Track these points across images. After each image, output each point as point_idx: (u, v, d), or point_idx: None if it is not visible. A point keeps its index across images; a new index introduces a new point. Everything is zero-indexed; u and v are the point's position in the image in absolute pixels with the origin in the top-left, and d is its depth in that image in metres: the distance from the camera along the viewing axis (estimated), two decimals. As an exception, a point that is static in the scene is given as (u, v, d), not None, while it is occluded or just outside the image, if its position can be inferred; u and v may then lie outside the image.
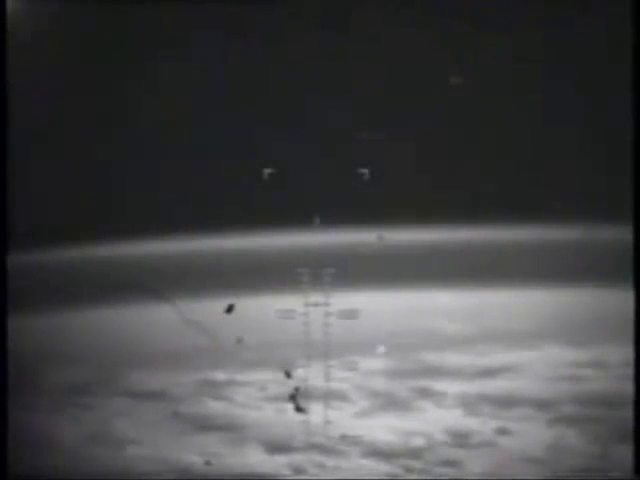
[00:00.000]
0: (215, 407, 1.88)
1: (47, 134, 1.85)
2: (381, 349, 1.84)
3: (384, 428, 1.85)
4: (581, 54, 1.82)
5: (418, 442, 1.83)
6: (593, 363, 1.87)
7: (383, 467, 1.81)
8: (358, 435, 1.84)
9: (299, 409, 1.84)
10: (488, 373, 1.89)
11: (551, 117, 1.83)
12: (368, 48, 1.83)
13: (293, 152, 1.83)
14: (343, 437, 1.83)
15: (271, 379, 1.86)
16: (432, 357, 1.90)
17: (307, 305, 1.82)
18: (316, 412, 1.84)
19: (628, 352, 1.78)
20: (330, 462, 1.81)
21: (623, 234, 1.78)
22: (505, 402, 1.86)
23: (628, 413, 1.78)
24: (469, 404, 1.86)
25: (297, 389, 1.84)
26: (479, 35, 1.81)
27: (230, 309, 1.84)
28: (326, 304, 1.82)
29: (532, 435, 1.83)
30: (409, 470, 1.80)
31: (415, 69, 1.83)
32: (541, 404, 1.85)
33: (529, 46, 1.82)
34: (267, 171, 1.83)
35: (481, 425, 1.84)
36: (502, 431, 1.84)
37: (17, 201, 1.83)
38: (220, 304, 1.84)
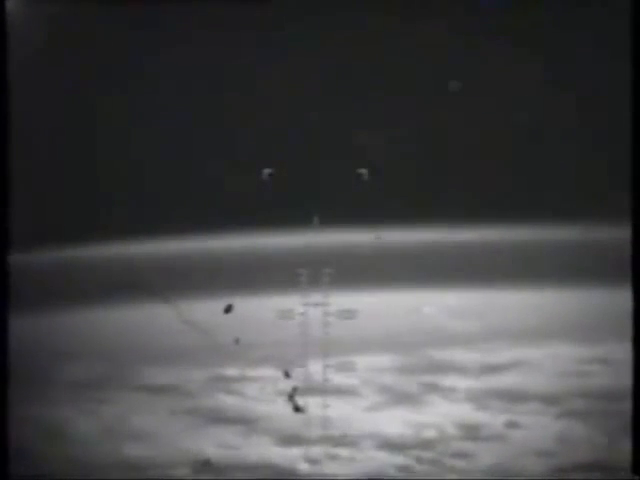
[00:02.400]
0: (217, 403, 1.89)
1: (47, 134, 1.86)
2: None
3: (394, 422, 1.85)
4: (581, 54, 1.82)
5: (429, 435, 1.84)
6: (596, 360, 1.88)
7: (395, 459, 1.82)
8: (370, 428, 1.84)
9: (297, 409, 1.84)
10: (491, 370, 1.90)
11: (551, 117, 1.83)
12: (368, 48, 1.83)
13: (292, 152, 1.83)
14: (355, 430, 1.84)
15: (271, 379, 1.86)
16: (433, 354, 1.91)
17: (306, 305, 1.82)
18: (327, 407, 1.84)
19: (628, 349, 1.79)
20: (344, 453, 1.83)
21: (622, 234, 1.78)
22: (513, 397, 1.87)
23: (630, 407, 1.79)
24: (477, 399, 1.87)
25: (295, 389, 1.84)
26: (478, 36, 1.81)
27: (229, 309, 1.84)
28: (325, 304, 1.82)
29: (539, 428, 1.84)
30: (420, 461, 1.81)
31: (415, 69, 1.83)
32: (546, 399, 1.86)
33: (528, 46, 1.82)
34: (266, 171, 1.83)
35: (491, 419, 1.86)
36: (511, 424, 1.85)
37: (17, 201, 1.83)
38: (219, 304, 1.84)
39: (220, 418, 1.88)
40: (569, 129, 1.83)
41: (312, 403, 1.84)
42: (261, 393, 1.88)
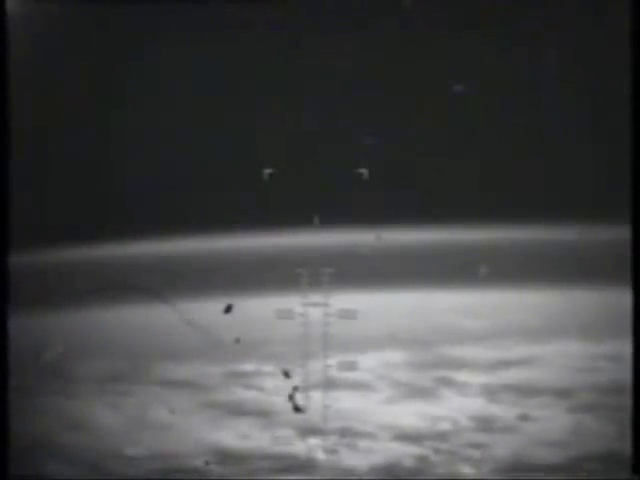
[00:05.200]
0: (217, 400, 1.89)
1: (47, 134, 1.86)
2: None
3: (408, 415, 1.86)
4: (580, 54, 1.82)
5: (444, 427, 1.85)
6: (603, 356, 1.89)
7: (411, 449, 1.83)
8: (385, 421, 1.85)
9: (297, 409, 1.84)
10: (493, 367, 1.91)
11: (551, 117, 1.83)
12: (369, 48, 1.83)
13: (293, 152, 1.83)
14: (364, 423, 1.85)
15: (272, 379, 1.87)
16: (435, 351, 1.92)
17: (306, 305, 1.83)
18: (334, 403, 1.85)
19: (628, 347, 1.80)
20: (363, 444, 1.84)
21: (621, 234, 1.79)
22: (525, 391, 1.88)
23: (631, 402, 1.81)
24: (491, 394, 1.89)
25: (295, 389, 1.84)
26: (478, 36, 1.81)
27: (229, 309, 1.84)
28: (325, 304, 1.83)
29: (550, 420, 1.86)
30: (437, 451, 1.82)
31: (416, 70, 1.83)
32: (557, 393, 1.87)
33: (528, 47, 1.82)
34: (267, 171, 1.83)
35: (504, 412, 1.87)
36: (523, 417, 1.87)
37: (17, 201, 1.83)
38: (219, 304, 1.84)
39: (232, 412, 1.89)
40: (570, 129, 1.83)
41: (318, 399, 1.84)
42: (267, 390, 1.88)
